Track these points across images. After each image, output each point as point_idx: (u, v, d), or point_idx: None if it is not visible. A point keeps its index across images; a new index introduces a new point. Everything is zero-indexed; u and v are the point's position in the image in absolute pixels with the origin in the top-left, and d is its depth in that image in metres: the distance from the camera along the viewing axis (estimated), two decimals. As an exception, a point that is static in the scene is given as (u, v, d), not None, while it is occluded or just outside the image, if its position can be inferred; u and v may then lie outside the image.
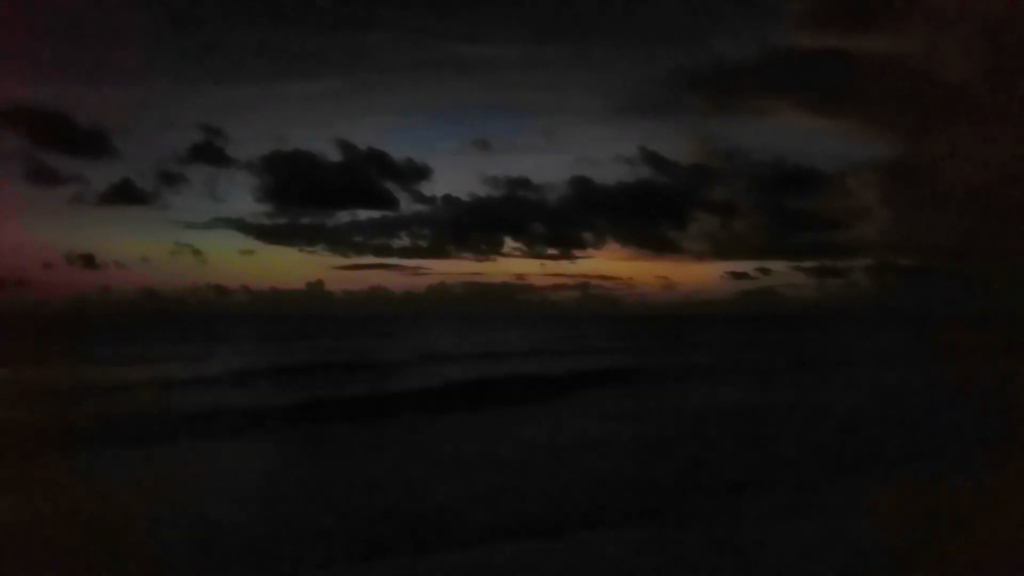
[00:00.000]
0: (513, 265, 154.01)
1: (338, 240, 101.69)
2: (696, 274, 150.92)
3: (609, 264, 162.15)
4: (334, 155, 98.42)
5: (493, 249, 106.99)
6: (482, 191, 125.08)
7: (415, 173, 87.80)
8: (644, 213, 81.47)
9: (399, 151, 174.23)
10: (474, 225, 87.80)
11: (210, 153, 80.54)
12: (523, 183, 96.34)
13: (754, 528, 8.54)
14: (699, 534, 8.40)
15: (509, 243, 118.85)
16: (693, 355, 44.15)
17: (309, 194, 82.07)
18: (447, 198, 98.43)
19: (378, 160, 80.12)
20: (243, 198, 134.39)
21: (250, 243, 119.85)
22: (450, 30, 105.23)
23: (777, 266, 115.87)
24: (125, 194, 77.33)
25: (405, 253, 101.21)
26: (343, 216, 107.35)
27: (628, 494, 10.57)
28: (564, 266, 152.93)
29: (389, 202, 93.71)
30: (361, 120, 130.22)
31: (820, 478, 11.43)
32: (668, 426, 17.16)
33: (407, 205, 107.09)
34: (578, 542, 8.22)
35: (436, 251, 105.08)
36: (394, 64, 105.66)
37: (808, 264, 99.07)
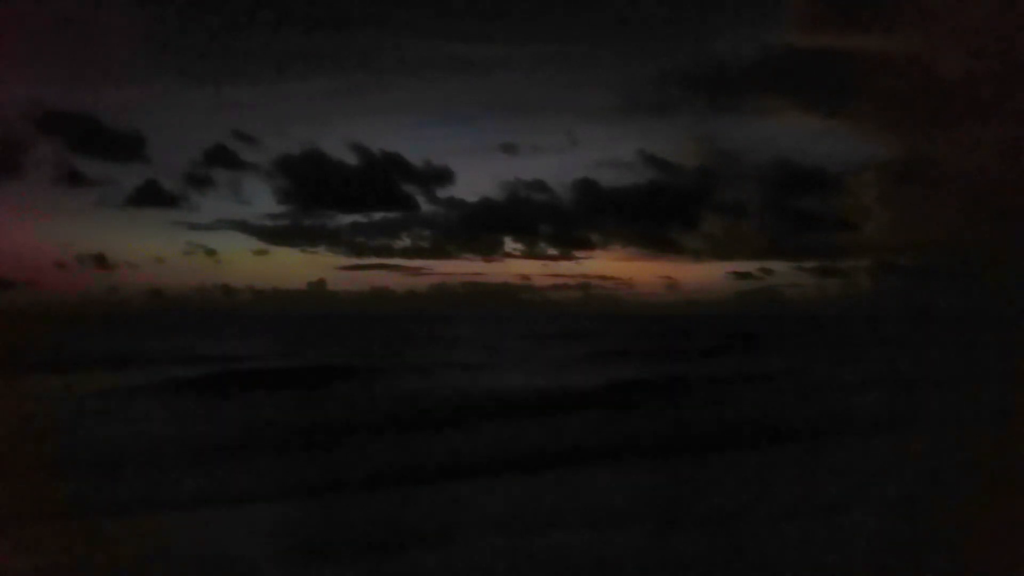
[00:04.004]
0: (516, 266, 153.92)
1: (349, 241, 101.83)
2: (699, 274, 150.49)
3: (612, 264, 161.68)
4: (353, 158, 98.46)
5: (496, 249, 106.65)
6: (492, 193, 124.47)
7: (434, 176, 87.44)
8: (647, 214, 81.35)
9: (415, 153, 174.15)
10: (480, 226, 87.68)
11: (227, 157, 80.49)
12: (533, 185, 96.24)
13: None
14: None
15: (514, 244, 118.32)
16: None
17: (329, 197, 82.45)
18: (452, 200, 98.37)
19: (398, 163, 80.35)
20: (264, 200, 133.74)
21: (264, 245, 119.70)
22: (448, 30, 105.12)
23: (779, 266, 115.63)
24: (148, 197, 77.36)
25: (413, 254, 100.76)
26: (358, 218, 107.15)
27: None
28: (567, 266, 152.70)
29: (409, 205, 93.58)
30: (379, 123, 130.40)
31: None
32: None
33: (425, 208, 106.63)
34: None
35: (440, 252, 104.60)
36: (401, 65, 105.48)
37: (810, 264, 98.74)
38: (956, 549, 7.09)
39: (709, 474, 11.59)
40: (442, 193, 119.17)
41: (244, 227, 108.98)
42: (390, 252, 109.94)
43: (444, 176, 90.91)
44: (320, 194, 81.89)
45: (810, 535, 7.59)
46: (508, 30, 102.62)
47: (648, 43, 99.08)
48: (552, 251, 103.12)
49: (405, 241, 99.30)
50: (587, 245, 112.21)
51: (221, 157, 79.63)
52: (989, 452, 12.08)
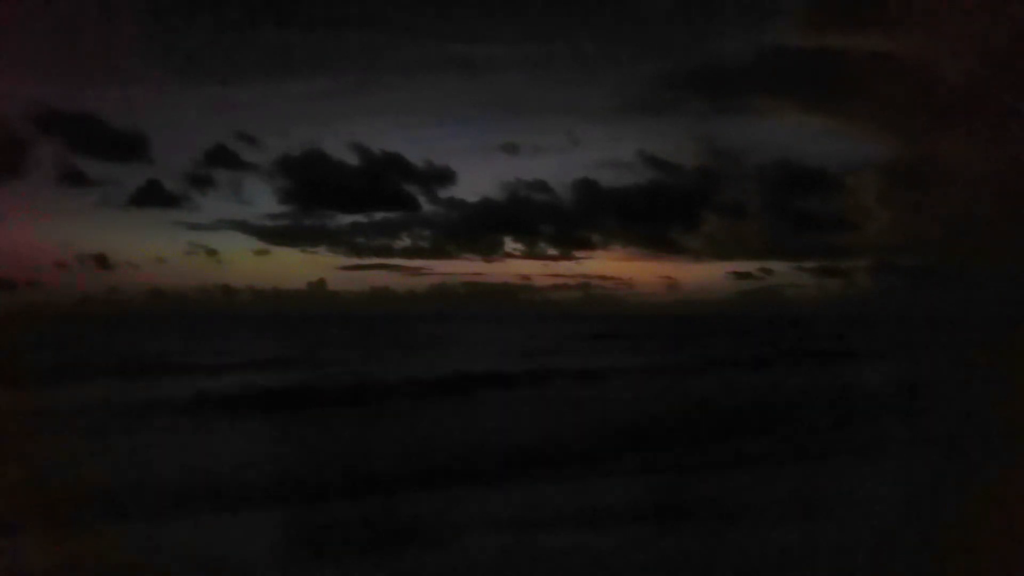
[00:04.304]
0: (516, 266, 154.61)
1: (349, 241, 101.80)
2: (699, 274, 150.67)
3: (612, 264, 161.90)
4: (354, 158, 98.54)
5: (496, 249, 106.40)
6: (493, 193, 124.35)
7: (435, 176, 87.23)
8: (647, 214, 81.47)
9: (416, 153, 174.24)
10: (480, 226, 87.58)
11: (228, 157, 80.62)
12: (533, 185, 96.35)
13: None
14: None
15: (514, 244, 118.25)
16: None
17: (330, 197, 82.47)
18: (452, 200, 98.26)
19: (399, 163, 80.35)
20: (265, 200, 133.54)
21: (264, 245, 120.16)
22: (448, 30, 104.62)
23: (779, 266, 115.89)
24: (149, 197, 77.31)
25: (413, 254, 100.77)
26: (358, 218, 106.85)
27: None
28: (568, 266, 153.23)
29: (409, 205, 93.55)
30: (379, 123, 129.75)
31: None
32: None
33: (426, 208, 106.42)
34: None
35: (440, 252, 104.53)
36: (401, 65, 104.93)
37: (810, 264, 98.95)
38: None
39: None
40: (443, 193, 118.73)
41: (245, 227, 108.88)
42: (390, 252, 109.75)
43: (445, 176, 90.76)
44: (320, 194, 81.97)
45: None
46: (508, 30, 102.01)
47: (648, 43, 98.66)
48: (552, 251, 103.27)
49: (405, 241, 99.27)
50: (587, 245, 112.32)
51: (222, 157, 79.65)
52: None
